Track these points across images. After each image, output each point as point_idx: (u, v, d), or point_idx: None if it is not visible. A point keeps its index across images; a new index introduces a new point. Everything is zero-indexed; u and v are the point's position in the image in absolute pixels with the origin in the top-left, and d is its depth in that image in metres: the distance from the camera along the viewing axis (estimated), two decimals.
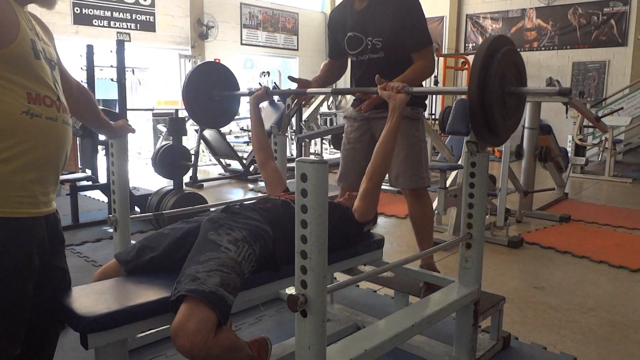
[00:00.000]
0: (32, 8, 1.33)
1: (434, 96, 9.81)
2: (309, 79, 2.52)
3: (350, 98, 2.82)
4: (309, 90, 2.32)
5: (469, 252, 1.92)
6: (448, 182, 4.04)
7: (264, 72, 10.11)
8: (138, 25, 9.38)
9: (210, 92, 2.49)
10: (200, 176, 6.59)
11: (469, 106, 1.50)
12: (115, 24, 9.06)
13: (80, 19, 8.60)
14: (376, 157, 1.86)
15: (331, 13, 2.56)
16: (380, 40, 2.29)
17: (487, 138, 1.62)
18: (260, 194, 2.11)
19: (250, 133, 8.49)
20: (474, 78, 1.49)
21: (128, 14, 9.23)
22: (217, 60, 10.33)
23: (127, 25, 9.24)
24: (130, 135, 2.00)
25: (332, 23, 2.55)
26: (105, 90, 7.15)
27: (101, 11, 8.85)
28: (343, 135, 2.69)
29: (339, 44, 2.49)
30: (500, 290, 2.43)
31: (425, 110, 2.59)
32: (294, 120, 7.12)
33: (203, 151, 7.75)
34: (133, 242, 1.93)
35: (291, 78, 2.44)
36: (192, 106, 2.48)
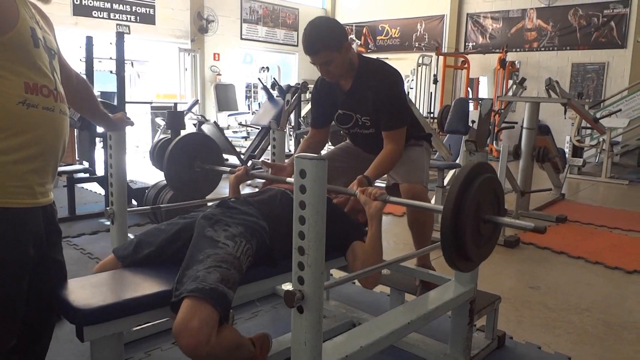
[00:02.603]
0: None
1: (432, 96, 9.80)
2: (284, 164, 2.40)
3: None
4: (289, 179, 2.15)
5: None
6: (446, 181, 4.04)
7: (263, 67, 10.10)
8: (138, 17, 9.35)
9: (192, 162, 2.37)
10: None
11: (441, 229, 1.41)
12: (115, 16, 9.03)
13: (80, 10, 8.56)
14: (366, 263, 1.73)
15: (316, 83, 2.40)
16: (368, 119, 2.27)
17: (458, 264, 1.49)
18: (257, 190, 2.09)
19: (248, 128, 8.46)
20: (450, 203, 1.39)
21: (128, 6, 9.20)
22: (216, 55, 10.35)
23: (127, 18, 9.21)
24: (128, 128, 1.99)
25: (317, 93, 2.40)
26: (104, 83, 7.11)
27: (101, 2, 8.81)
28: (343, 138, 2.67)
29: (326, 113, 2.40)
30: (496, 290, 2.43)
31: (430, 144, 2.54)
32: (292, 116, 7.09)
33: None
34: (130, 235, 1.93)
35: (264, 163, 2.41)
36: (171, 172, 2.34)
